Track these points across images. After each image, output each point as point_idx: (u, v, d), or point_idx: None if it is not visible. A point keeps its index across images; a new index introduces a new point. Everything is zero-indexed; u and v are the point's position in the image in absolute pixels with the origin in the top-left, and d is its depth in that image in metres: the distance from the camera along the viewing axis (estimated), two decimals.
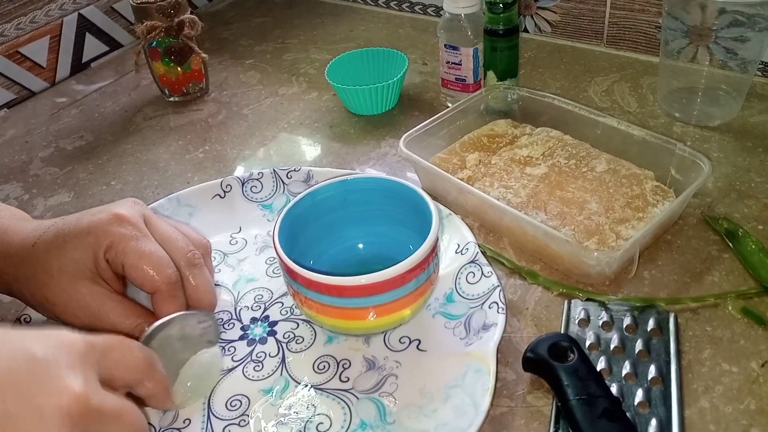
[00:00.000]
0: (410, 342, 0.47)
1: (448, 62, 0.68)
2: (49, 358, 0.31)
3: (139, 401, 0.37)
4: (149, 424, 0.43)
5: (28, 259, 0.45)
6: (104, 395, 0.32)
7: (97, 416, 0.31)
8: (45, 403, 0.29)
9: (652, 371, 0.43)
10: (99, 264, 0.44)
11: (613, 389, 0.42)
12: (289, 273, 0.44)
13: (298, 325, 0.49)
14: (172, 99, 0.80)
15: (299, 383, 0.45)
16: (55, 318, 0.45)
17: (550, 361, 0.42)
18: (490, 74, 0.68)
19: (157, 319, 0.44)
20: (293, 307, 0.50)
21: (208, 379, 0.46)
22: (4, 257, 0.45)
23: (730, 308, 0.47)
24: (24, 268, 0.45)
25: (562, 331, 0.47)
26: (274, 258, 0.54)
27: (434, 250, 0.44)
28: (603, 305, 0.48)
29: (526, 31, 0.84)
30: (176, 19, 0.73)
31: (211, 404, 0.44)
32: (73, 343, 0.32)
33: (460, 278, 0.50)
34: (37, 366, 0.30)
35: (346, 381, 0.45)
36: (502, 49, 0.66)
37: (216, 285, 0.52)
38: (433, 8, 0.91)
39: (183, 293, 0.45)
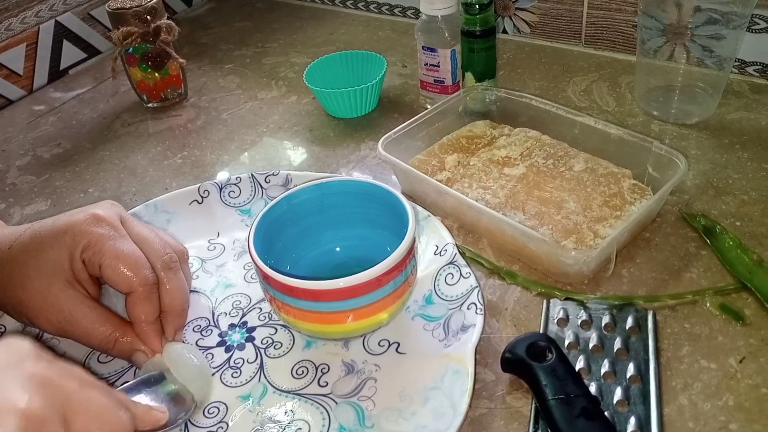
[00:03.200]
0: (389, 345, 0.47)
1: (427, 64, 0.68)
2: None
3: None
4: None
5: (4, 262, 0.45)
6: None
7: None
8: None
9: (630, 369, 0.43)
10: (75, 264, 0.44)
11: (592, 388, 0.42)
12: (265, 278, 0.43)
13: (276, 330, 0.49)
14: (150, 105, 0.79)
15: (277, 389, 0.45)
16: (29, 323, 0.45)
17: (528, 361, 0.42)
18: (469, 75, 0.68)
19: (130, 328, 0.44)
20: (271, 312, 0.50)
21: (203, 388, 0.45)
22: None
23: (708, 305, 0.47)
24: (1, 271, 0.44)
25: (541, 331, 0.46)
26: (252, 263, 0.54)
27: (411, 252, 0.44)
28: (582, 304, 0.48)
29: (504, 32, 0.84)
30: (152, 25, 0.72)
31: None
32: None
33: (439, 280, 0.50)
34: None
35: (325, 386, 0.44)
36: (479, 51, 0.66)
37: (194, 291, 0.52)
38: (413, 11, 0.91)
39: (158, 296, 0.45)
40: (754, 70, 0.70)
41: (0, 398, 0.28)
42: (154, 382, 0.42)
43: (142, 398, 0.40)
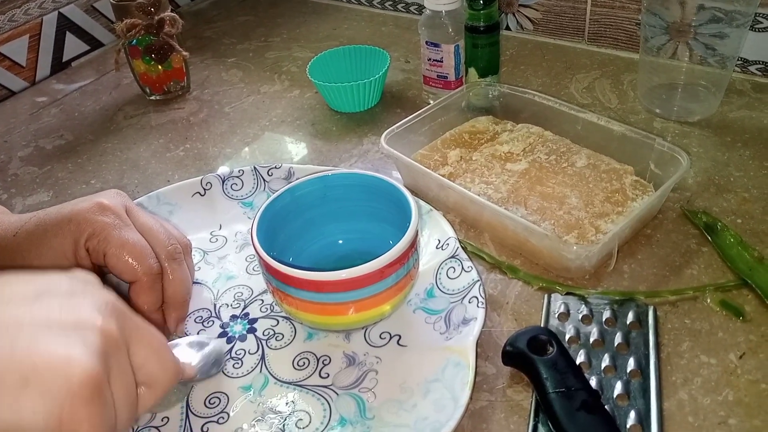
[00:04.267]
0: (391, 337, 0.47)
1: (430, 59, 0.68)
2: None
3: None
4: None
5: (8, 249, 0.45)
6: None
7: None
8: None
9: (631, 364, 0.43)
10: (79, 252, 0.44)
11: (593, 382, 0.42)
12: (268, 269, 0.43)
13: (278, 322, 0.49)
14: (153, 97, 0.79)
15: (279, 380, 0.45)
16: None
17: (529, 355, 0.42)
18: (472, 71, 0.68)
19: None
20: (273, 304, 0.50)
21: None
22: None
23: (708, 301, 0.47)
24: (4, 257, 0.45)
25: (542, 325, 0.47)
26: (254, 255, 0.54)
27: (413, 245, 0.44)
28: (583, 299, 0.48)
29: (508, 28, 0.85)
30: (156, 17, 0.72)
31: (189, 402, 0.44)
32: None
33: (440, 273, 0.50)
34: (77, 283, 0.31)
35: (326, 377, 0.45)
36: (483, 46, 0.66)
37: (196, 282, 0.52)
38: (416, 6, 0.91)
39: (161, 286, 0.45)
40: (757, 69, 0.70)
41: (80, 316, 0.29)
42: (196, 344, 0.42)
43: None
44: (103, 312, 0.30)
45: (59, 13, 0.87)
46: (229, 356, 0.47)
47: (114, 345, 0.29)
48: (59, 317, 0.28)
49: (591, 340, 0.45)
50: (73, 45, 0.89)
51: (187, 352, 0.39)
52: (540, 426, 0.41)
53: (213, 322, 0.49)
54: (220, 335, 0.48)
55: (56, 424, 0.26)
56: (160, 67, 0.76)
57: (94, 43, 0.92)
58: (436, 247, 0.51)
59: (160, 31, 0.73)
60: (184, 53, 0.76)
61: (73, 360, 0.27)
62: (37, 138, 0.75)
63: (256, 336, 0.48)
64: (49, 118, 0.79)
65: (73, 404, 0.26)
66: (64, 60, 0.89)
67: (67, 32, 0.88)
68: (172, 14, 0.74)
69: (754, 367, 0.43)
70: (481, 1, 0.63)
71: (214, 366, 0.41)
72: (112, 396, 0.29)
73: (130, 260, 0.44)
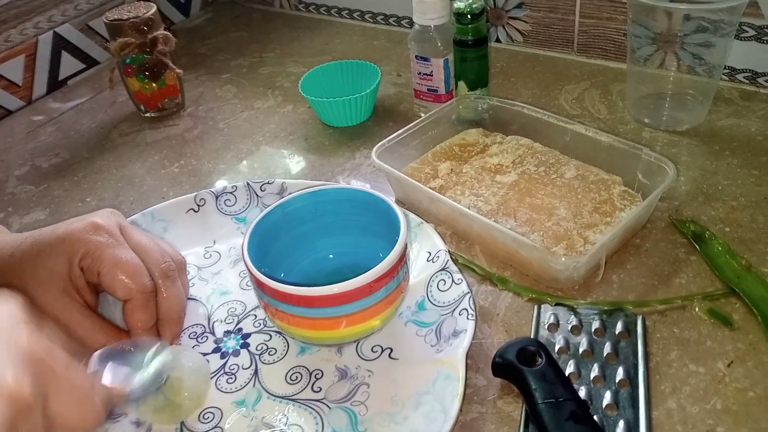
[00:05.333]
0: (382, 350, 0.47)
1: (420, 73, 0.69)
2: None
3: None
4: None
5: (5, 268, 0.45)
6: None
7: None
8: None
9: (620, 374, 0.43)
10: (73, 272, 0.44)
11: (582, 392, 0.43)
12: (259, 285, 0.44)
13: (271, 337, 0.49)
14: (147, 115, 0.80)
15: (272, 395, 0.45)
16: None
17: (518, 366, 0.42)
18: (461, 84, 0.69)
19: (126, 337, 0.44)
20: (266, 319, 0.50)
21: (201, 388, 0.45)
22: None
23: (697, 310, 0.48)
24: (1, 277, 0.45)
25: (532, 336, 0.47)
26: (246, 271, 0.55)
27: (402, 258, 0.45)
28: (572, 309, 0.48)
29: (498, 41, 0.85)
30: (149, 36, 0.73)
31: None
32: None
33: (431, 286, 0.50)
34: None
35: (319, 391, 0.45)
36: (471, 60, 0.66)
37: (190, 298, 0.53)
38: (407, 20, 0.92)
39: (155, 304, 0.46)
40: (744, 77, 0.71)
41: None
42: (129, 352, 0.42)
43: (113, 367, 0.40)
44: (15, 368, 0.28)
45: (54, 32, 0.88)
46: (218, 373, 0.47)
47: (25, 409, 0.28)
48: None
49: (580, 350, 0.45)
50: (68, 64, 0.90)
51: (117, 373, 0.39)
52: None
53: (207, 337, 0.50)
54: (214, 350, 0.49)
55: None
56: (154, 84, 0.77)
57: (89, 62, 0.93)
58: (427, 260, 0.52)
59: (153, 49, 0.74)
60: (178, 71, 0.76)
61: None
62: (34, 156, 0.76)
63: (249, 351, 0.48)
64: (45, 137, 0.80)
65: None
66: (59, 78, 0.90)
67: (63, 51, 0.89)
68: (165, 32, 0.75)
69: (742, 375, 0.43)
70: (469, 16, 0.64)
71: (153, 383, 0.40)
72: None
73: (124, 278, 0.44)
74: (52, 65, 0.89)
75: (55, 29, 0.87)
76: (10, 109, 0.85)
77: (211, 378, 0.47)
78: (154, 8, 0.74)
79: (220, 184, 0.67)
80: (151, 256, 0.47)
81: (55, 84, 0.89)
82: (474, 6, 0.64)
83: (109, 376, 0.38)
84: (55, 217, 0.66)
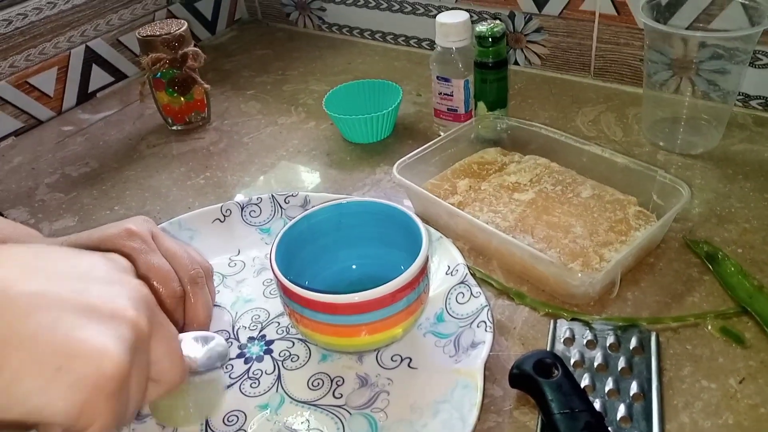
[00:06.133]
0: (402, 360, 0.49)
1: (441, 93, 0.71)
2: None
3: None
4: None
5: None
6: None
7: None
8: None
9: (634, 388, 0.45)
10: None
11: (597, 405, 0.44)
12: (285, 292, 0.46)
13: (293, 343, 0.51)
14: (175, 128, 0.82)
15: (294, 399, 0.47)
16: None
17: (535, 377, 0.43)
18: (481, 105, 0.71)
19: None
20: (289, 326, 0.52)
21: (211, 399, 0.47)
22: None
23: (709, 327, 0.49)
24: None
25: (548, 350, 0.48)
26: (271, 279, 0.56)
27: (424, 271, 0.46)
28: (587, 324, 0.49)
29: (516, 63, 0.88)
30: (180, 52, 0.76)
31: (209, 419, 0.46)
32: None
33: (450, 298, 0.52)
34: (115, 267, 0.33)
35: (340, 397, 0.46)
36: (491, 81, 0.68)
37: (215, 305, 0.54)
38: (428, 42, 0.95)
39: (183, 309, 0.47)
40: (758, 104, 0.73)
41: (116, 306, 0.30)
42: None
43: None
44: (136, 304, 0.31)
45: (86, 46, 0.91)
46: (228, 356, 0.48)
47: (141, 340, 0.30)
48: (98, 304, 0.29)
49: (595, 364, 0.47)
50: (98, 77, 0.93)
51: (192, 346, 0.41)
52: None
53: (231, 343, 0.51)
54: (238, 356, 0.50)
55: (76, 413, 0.27)
56: (182, 99, 0.79)
57: (118, 75, 0.96)
58: (446, 273, 0.53)
59: (183, 64, 0.76)
60: (206, 86, 0.79)
61: (107, 353, 0.28)
62: (63, 165, 0.79)
63: (272, 357, 0.50)
64: (74, 147, 0.82)
65: (98, 397, 0.28)
66: (89, 91, 0.93)
67: (93, 64, 0.92)
68: (195, 49, 0.77)
69: (754, 392, 0.44)
70: (490, 39, 0.66)
71: (218, 359, 0.43)
72: (128, 388, 0.30)
73: (155, 283, 0.46)
74: (82, 78, 0.91)
75: (88, 43, 0.90)
76: (41, 119, 0.88)
77: (236, 382, 0.48)
78: (185, 25, 0.76)
79: (245, 196, 0.69)
80: (180, 263, 0.49)
81: (84, 96, 0.92)
82: (495, 30, 0.66)
83: (184, 346, 0.40)
84: (84, 224, 0.68)
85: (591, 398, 0.44)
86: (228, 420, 0.46)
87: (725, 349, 0.47)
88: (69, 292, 0.29)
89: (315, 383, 0.48)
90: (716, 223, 0.58)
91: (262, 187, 0.71)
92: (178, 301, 0.47)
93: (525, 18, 0.83)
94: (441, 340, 0.49)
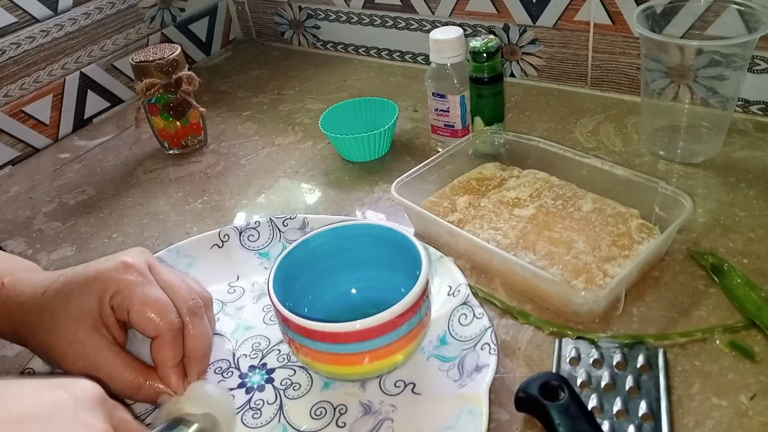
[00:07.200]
0: (405, 385, 0.48)
1: (437, 109, 0.71)
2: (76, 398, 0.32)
3: None
4: None
5: (38, 306, 0.46)
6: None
7: None
8: None
9: (642, 407, 0.44)
10: (103, 310, 0.46)
11: (605, 427, 0.43)
12: (284, 321, 0.45)
13: (295, 371, 0.50)
14: (171, 152, 0.82)
15: (297, 430, 0.46)
16: (58, 365, 0.47)
17: (541, 401, 0.43)
18: (478, 120, 0.70)
19: (153, 374, 0.46)
20: (290, 354, 0.51)
21: (227, 410, 0.46)
22: (16, 305, 0.47)
23: (717, 342, 0.48)
24: (33, 315, 0.46)
25: (553, 370, 0.47)
26: (271, 306, 0.56)
27: (425, 293, 0.46)
28: (593, 343, 0.49)
29: (512, 75, 0.87)
30: (174, 76, 0.76)
31: None
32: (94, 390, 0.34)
33: (452, 320, 0.51)
34: (64, 407, 0.31)
35: (343, 426, 0.46)
36: (487, 96, 0.68)
37: (215, 334, 0.53)
38: (423, 57, 0.94)
39: (182, 341, 0.47)
40: (758, 109, 0.72)
41: None
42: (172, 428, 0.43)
43: None
44: None
45: (81, 72, 0.91)
46: (243, 408, 0.48)
47: None
48: None
49: (602, 384, 0.46)
50: (94, 102, 0.93)
51: None
52: None
53: (232, 372, 0.51)
54: (239, 386, 0.50)
55: None
56: (178, 123, 0.79)
57: (114, 100, 0.96)
58: (448, 294, 0.53)
59: (177, 89, 0.76)
60: (201, 109, 0.79)
61: None
62: (61, 193, 0.78)
63: (273, 386, 0.49)
64: (71, 174, 0.82)
65: None
66: (85, 117, 0.93)
67: (88, 90, 0.92)
68: (189, 73, 0.77)
69: (766, 408, 0.43)
70: (485, 54, 0.65)
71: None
72: None
73: (153, 316, 0.45)
74: (78, 104, 0.91)
75: (82, 69, 0.90)
76: (38, 147, 0.88)
77: (237, 413, 0.47)
78: (179, 50, 0.76)
79: (243, 219, 0.68)
80: (178, 294, 0.48)
81: (80, 122, 0.92)
82: (489, 45, 0.65)
83: None
84: (82, 254, 0.68)
85: (599, 420, 0.43)
86: None
87: (735, 364, 0.46)
88: None
89: (318, 412, 0.47)
90: (720, 233, 0.57)
91: (261, 209, 0.70)
92: (177, 333, 0.46)
93: (520, 30, 0.83)
94: (445, 363, 0.49)
